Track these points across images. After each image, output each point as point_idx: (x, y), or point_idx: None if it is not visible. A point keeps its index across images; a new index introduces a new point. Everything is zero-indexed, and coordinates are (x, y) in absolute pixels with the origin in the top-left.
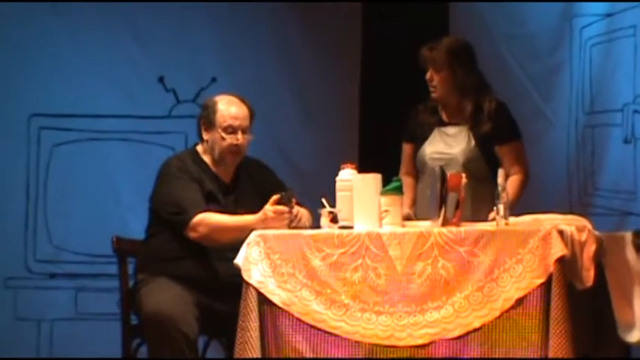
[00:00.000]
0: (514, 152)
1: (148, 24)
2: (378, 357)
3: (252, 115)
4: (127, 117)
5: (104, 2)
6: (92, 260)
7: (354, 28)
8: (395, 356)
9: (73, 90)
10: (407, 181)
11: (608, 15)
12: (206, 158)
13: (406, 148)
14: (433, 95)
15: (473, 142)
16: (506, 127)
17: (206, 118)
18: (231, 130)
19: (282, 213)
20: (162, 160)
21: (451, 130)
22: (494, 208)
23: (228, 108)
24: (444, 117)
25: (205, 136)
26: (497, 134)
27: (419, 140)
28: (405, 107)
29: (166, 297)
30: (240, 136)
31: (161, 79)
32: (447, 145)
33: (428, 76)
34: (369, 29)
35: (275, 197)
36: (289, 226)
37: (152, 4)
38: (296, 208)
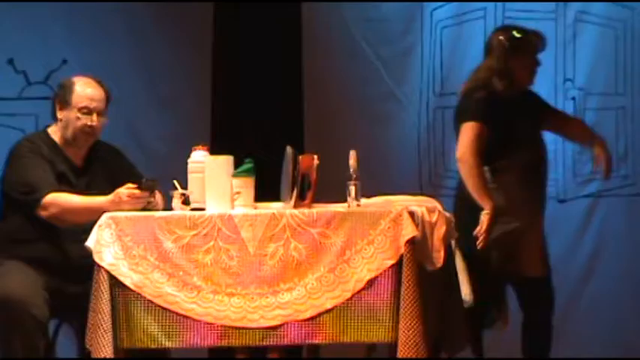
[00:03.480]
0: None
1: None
2: (231, 340)
3: (108, 98)
4: None
5: None
6: None
7: (206, 21)
8: (247, 339)
9: None
10: None
11: None
12: (57, 139)
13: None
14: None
15: None
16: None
17: (62, 97)
18: (86, 110)
19: (136, 197)
20: (12, 142)
21: None
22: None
23: (85, 89)
24: None
25: (60, 115)
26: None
27: None
28: (256, 96)
29: (16, 280)
30: (95, 117)
31: (10, 61)
32: None
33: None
34: (222, 18)
35: (132, 184)
36: (142, 209)
37: None
38: (158, 197)
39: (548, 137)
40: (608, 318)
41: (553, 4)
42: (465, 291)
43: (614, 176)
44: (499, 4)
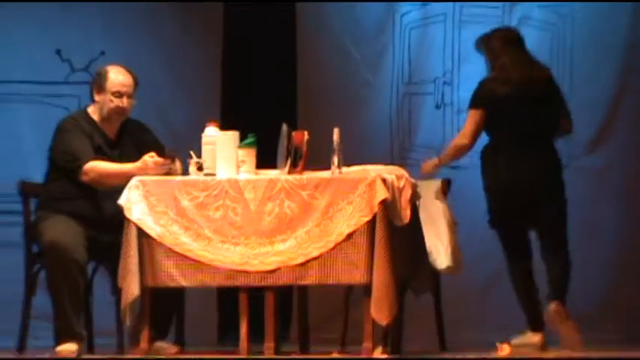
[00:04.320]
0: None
1: (46, 5)
2: (235, 281)
3: (136, 83)
4: (30, 82)
5: None
6: (1, 199)
7: (216, 16)
8: (249, 280)
9: None
10: None
11: (423, 5)
12: (95, 117)
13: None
14: None
15: None
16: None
17: (98, 83)
18: (118, 94)
19: (159, 164)
20: (58, 119)
21: None
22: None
23: (117, 76)
24: None
25: (97, 97)
26: None
27: None
28: (258, 82)
29: (62, 230)
30: (125, 100)
31: (58, 52)
32: None
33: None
34: (231, 11)
35: (156, 154)
36: (164, 174)
37: None
38: (177, 164)
39: None
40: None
41: (500, 10)
42: (447, 257)
43: None
44: (456, 10)
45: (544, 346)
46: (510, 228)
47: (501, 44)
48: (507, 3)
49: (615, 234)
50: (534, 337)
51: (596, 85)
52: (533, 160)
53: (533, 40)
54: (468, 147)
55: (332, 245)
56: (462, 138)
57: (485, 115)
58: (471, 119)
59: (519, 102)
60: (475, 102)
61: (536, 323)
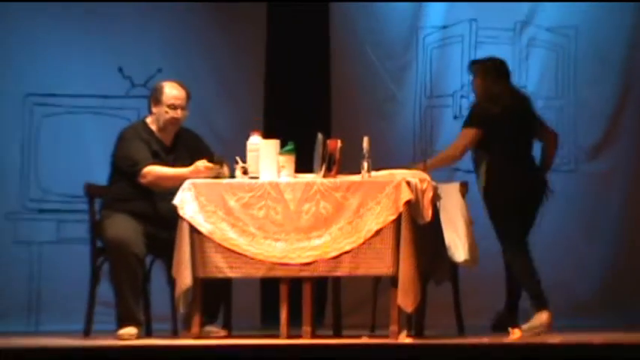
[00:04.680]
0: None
1: (111, 28)
2: (276, 272)
3: (188, 97)
4: (96, 96)
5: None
6: (69, 199)
7: (259, 28)
8: (288, 272)
9: (57, 76)
10: None
11: (444, 27)
12: (153, 127)
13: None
14: None
15: None
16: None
17: (155, 97)
18: (172, 107)
19: (209, 169)
20: (120, 128)
21: None
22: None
23: (172, 91)
24: None
25: (154, 110)
26: None
27: None
28: (297, 96)
29: (123, 227)
30: (179, 111)
31: (120, 69)
32: None
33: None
34: (273, 29)
35: (206, 160)
36: (214, 178)
37: (118, 11)
38: (225, 168)
39: None
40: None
41: (512, 32)
42: (465, 251)
43: (556, 157)
44: (473, 31)
45: (551, 324)
46: (521, 222)
47: (496, 74)
48: (518, 26)
49: (616, 233)
50: (543, 316)
51: (600, 96)
52: (528, 169)
53: (542, 58)
54: (457, 159)
55: (362, 241)
56: (454, 150)
57: (480, 135)
58: (466, 136)
59: (510, 123)
60: (472, 122)
61: (540, 300)
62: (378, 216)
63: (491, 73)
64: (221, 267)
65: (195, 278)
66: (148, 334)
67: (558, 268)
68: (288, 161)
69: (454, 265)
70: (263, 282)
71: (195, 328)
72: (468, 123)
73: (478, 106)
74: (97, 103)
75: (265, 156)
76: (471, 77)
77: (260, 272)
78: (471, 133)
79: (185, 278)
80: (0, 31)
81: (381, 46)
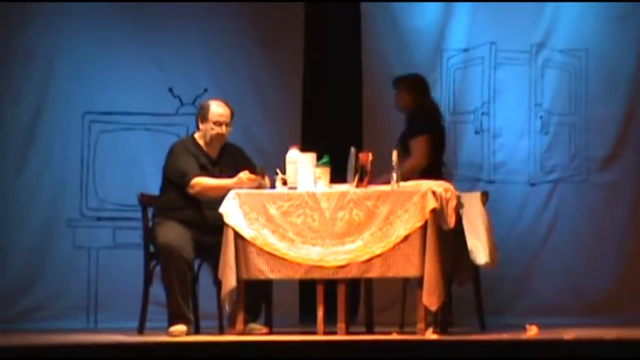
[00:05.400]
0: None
1: (163, 52)
2: (313, 274)
3: (232, 114)
4: (148, 114)
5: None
6: (124, 208)
7: (297, 52)
8: (324, 274)
9: (113, 96)
10: None
11: (465, 50)
12: (200, 142)
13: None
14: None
15: None
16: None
17: (202, 115)
18: (218, 123)
19: (252, 180)
20: (170, 143)
21: None
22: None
23: (217, 109)
24: None
25: (201, 126)
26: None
27: None
28: (332, 113)
29: (173, 233)
30: (224, 128)
31: (170, 90)
32: None
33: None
34: (310, 53)
35: (248, 172)
36: (256, 188)
37: (168, 37)
38: (266, 180)
39: (528, 137)
40: (561, 272)
41: (528, 54)
42: (486, 254)
43: (569, 168)
44: (492, 53)
45: None
46: None
47: (427, 88)
48: (534, 48)
49: (625, 236)
50: None
51: (609, 112)
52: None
53: (556, 78)
54: (423, 166)
55: (392, 245)
56: (423, 159)
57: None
58: (426, 143)
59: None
60: (428, 128)
61: None
62: (406, 223)
63: (423, 86)
64: (263, 269)
65: (239, 280)
66: (197, 331)
67: (571, 270)
68: (324, 173)
69: (476, 267)
70: (301, 283)
71: (239, 326)
72: (424, 129)
73: (429, 112)
74: (150, 121)
75: (303, 168)
76: (395, 92)
77: (298, 274)
78: (428, 139)
79: (230, 280)
80: (57, 55)
81: (409, 67)
